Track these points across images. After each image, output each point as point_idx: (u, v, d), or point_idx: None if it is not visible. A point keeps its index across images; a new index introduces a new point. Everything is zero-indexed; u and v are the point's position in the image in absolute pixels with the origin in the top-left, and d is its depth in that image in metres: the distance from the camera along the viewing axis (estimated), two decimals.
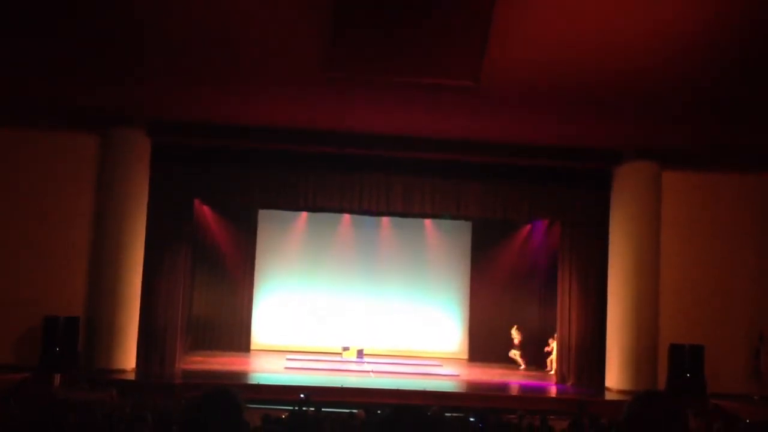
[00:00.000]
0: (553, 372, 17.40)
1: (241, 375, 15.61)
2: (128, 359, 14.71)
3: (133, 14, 10.26)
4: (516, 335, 18.61)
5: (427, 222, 20.32)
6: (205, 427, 2.77)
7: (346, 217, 20.09)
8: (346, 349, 18.51)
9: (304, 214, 20.12)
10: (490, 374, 17.46)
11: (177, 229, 15.58)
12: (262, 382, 14.38)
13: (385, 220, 20.17)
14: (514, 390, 15.59)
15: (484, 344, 19.92)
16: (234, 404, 2.78)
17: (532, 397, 14.63)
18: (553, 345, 17.54)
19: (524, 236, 19.95)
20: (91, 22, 10.48)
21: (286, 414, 9.93)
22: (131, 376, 14.30)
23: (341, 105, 13.44)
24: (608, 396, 14.83)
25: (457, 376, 16.78)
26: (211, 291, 19.56)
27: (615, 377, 15.27)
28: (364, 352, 18.45)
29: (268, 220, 20.14)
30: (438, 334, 20.22)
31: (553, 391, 15.61)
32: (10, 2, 9.99)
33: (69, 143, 14.91)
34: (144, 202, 15.07)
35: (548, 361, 18.20)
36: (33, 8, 10.15)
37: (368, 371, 16.64)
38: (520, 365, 18.40)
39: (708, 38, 10.05)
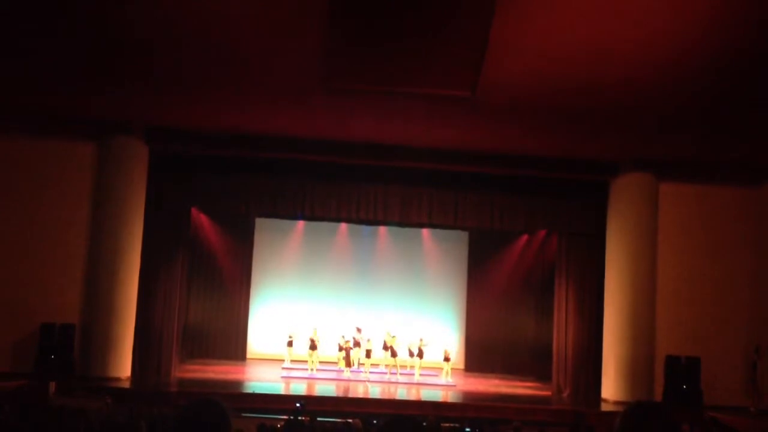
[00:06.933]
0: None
1: (237, 384, 15.56)
2: (123, 367, 14.67)
3: (133, 24, 10.28)
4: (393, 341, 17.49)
5: (425, 232, 20.33)
6: None
7: (343, 226, 20.09)
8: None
9: (300, 223, 20.13)
10: (486, 384, 17.43)
11: (174, 237, 15.59)
12: (258, 391, 14.35)
13: (382, 229, 20.18)
14: (511, 400, 15.55)
15: (480, 354, 19.93)
16: (222, 414, 2.75)
17: (528, 408, 14.59)
18: None
19: (521, 246, 19.95)
20: (90, 31, 10.49)
21: (282, 423, 9.91)
22: (126, 384, 14.25)
23: (339, 115, 13.47)
24: (604, 407, 14.79)
25: (454, 386, 16.75)
26: (208, 299, 19.55)
27: (611, 388, 15.25)
28: (361, 361, 18.39)
29: (264, 229, 20.14)
30: (434, 344, 20.18)
31: (549, 401, 15.60)
32: (10, 12, 10.00)
33: (66, 151, 14.87)
34: (141, 210, 15.05)
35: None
36: (31, 17, 10.17)
37: (364, 380, 16.61)
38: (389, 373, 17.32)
39: (704, 52, 10.09)
